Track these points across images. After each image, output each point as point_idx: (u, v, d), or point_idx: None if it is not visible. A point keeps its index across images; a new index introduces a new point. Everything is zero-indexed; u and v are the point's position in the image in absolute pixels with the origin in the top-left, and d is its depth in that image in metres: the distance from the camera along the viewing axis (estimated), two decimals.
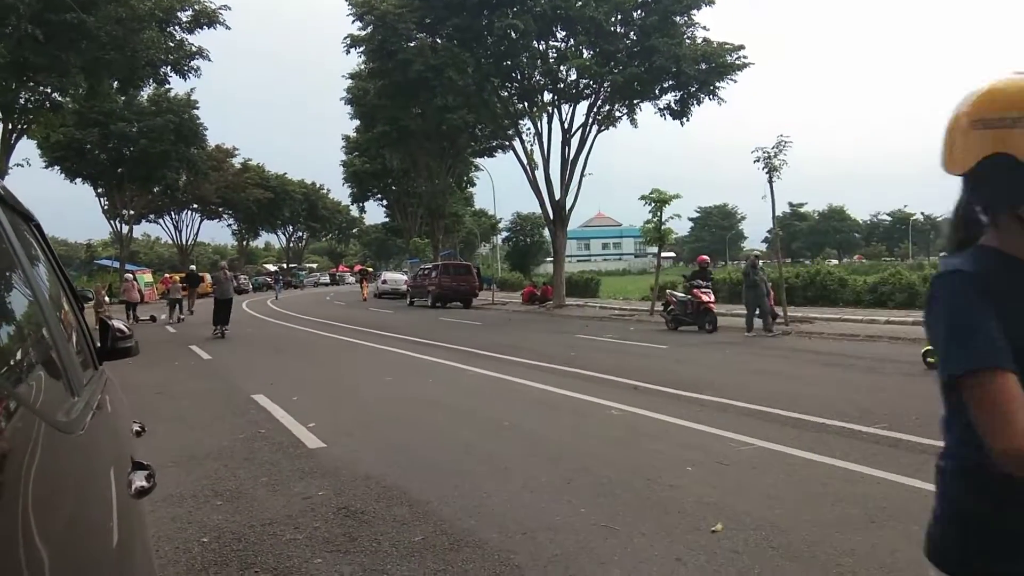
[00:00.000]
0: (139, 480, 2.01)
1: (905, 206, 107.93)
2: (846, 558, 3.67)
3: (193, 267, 35.19)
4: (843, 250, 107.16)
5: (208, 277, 32.61)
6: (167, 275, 42.61)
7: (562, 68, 27.11)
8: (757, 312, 15.91)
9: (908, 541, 3.87)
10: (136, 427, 3.09)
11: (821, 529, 4.07)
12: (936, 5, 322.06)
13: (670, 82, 26.38)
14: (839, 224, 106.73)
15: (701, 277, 17.39)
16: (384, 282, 43.68)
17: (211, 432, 7.07)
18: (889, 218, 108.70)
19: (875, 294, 21.14)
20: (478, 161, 47.46)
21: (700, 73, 25.59)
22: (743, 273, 16.82)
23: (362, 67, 34.49)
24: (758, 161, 17.61)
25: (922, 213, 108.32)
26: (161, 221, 62.31)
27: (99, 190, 48.32)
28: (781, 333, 15.78)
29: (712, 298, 16.87)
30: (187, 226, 63.65)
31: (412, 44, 27.14)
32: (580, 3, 24.12)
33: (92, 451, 1.68)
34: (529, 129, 29.26)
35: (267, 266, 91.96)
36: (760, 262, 17.15)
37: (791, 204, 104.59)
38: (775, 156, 17.38)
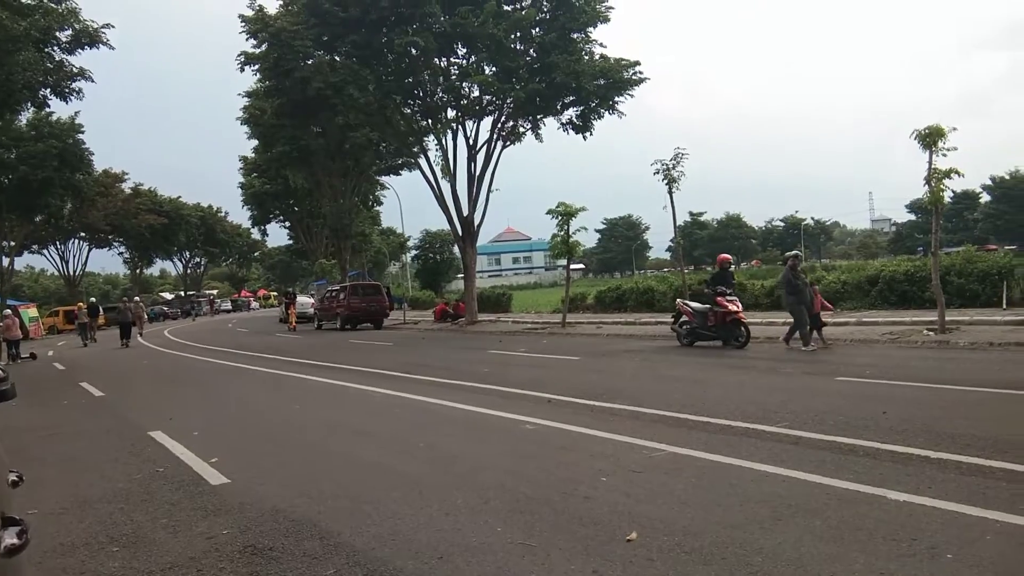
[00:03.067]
0: (9, 537, 1.84)
1: (796, 212, 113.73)
2: (755, 556, 3.76)
3: (93, 299, 41.37)
4: (741, 256, 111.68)
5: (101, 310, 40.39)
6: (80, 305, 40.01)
7: (464, 85, 27.22)
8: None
9: (812, 535, 4.01)
10: (13, 477, 2.85)
11: (730, 530, 4.17)
12: (830, 25, 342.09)
13: (571, 98, 26.90)
14: (737, 231, 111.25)
15: (723, 282, 14.77)
16: None
17: (105, 474, 6.65)
18: (782, 224, 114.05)
19: (772, 297, 22.04)
20: (384, 179, 47.04)
21: (599, 88, 26.22)
22: (782, 279, 14.04)
23: (258, 85, 33.66)
24: (658, 173, 18.16)
25: (812, 218, 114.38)
26: (46, 251, 58.81)
27: None
28: (821, 347, 13.19)
29: (740, 307, 14.44)
30: (74, 256, 60.35)
31: (310, 62, 26.68)
32: (479, 21, 24.29)
33: None
34: (435, 146, 29.24)
35: (164, 295, 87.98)
36: (801, 263, 14.63)
37: (691, 213, 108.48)
38: (673, 168, 17.97)
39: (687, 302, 15.63)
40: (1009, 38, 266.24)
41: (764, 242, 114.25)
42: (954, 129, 13.14)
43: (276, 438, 7.90)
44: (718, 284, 14.66)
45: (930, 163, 13.29)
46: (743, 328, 14.04)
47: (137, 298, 38.30)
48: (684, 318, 15.12)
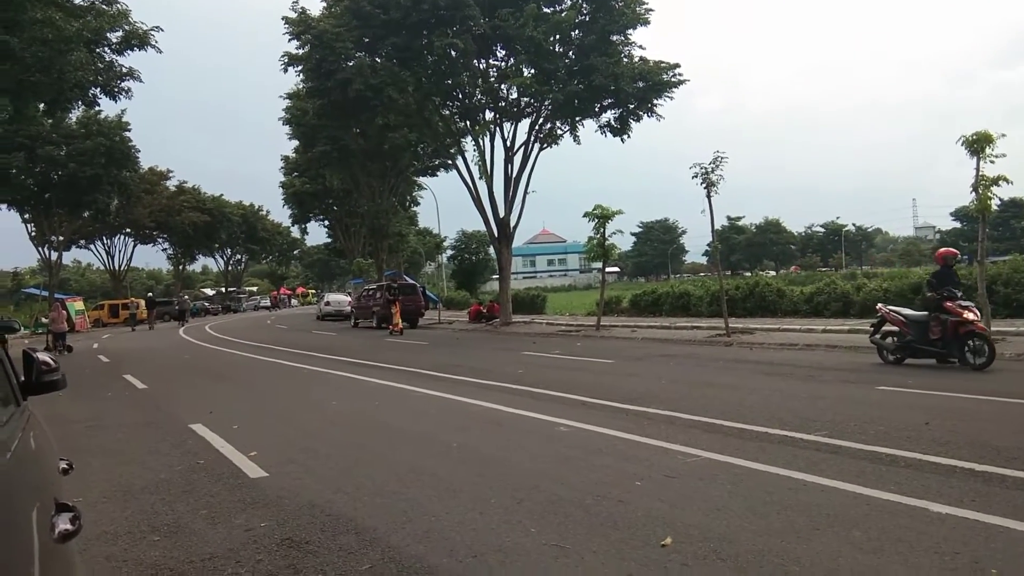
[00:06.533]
0: (63, 523, 1.90)
1: (837, 218, 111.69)
2: (793, 566, 3.72)
3: (150, 294, 51.92)
4: (780, 262, 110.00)
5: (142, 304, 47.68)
6: (132, 299, 51.62)
7: (503, 87, 27.26)
8: None
9: (851, 546, 3.95)
10: (63, 465, 2.94)
11: (767, 538, 4.12)
12: (877, 30, 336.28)
13: (609, 100, 26.77)
14: (775, 236, 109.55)
15: (949, 282, 11.30)
16: (327, 304, 43.11)
17: (147, 464, 6.81)
18: (823, 230, 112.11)
19: (811, 304, 21.70)
20: (421, 180, 47.35)
21: (638, 91, 26.05)
22: None
23: (300, 86, 34.11)
24: (696, 177, 17.99)
25: (853, 224, 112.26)
26: (92, 247, 60.14)
27: (26, 216, 46.62)
28: None
29: (979, 315, 11.14)
30: (120, 251, 61.56)
31: (351, 63, 26.95)
32: (519, 23, 24.29)
33: (8, 494, 1.58)
34: (472, 147, 29.35)
35: (205, 290, 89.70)
36: None
37: (729, 217, 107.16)
38: (712, 172, 17.77)
39: (898, 310, 12.09)
40: None
41: (804, 248, 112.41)
42: (1003, 135, 12.84)
43: (313, 433, 8.01)
44: (945, 285, 11.21)
45: (978, 169, 12.99)
46: (982, 342, 10.64)
47: (182, 294, 52.59)
48: (889, 327, 11.93)
